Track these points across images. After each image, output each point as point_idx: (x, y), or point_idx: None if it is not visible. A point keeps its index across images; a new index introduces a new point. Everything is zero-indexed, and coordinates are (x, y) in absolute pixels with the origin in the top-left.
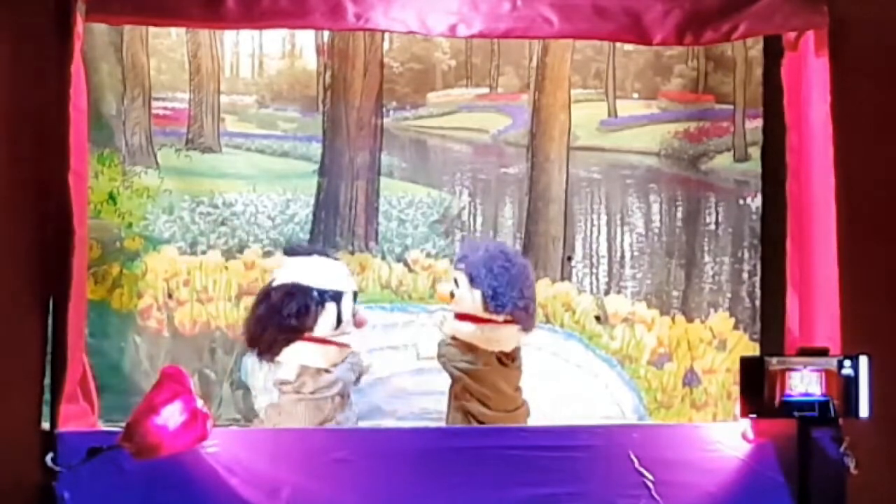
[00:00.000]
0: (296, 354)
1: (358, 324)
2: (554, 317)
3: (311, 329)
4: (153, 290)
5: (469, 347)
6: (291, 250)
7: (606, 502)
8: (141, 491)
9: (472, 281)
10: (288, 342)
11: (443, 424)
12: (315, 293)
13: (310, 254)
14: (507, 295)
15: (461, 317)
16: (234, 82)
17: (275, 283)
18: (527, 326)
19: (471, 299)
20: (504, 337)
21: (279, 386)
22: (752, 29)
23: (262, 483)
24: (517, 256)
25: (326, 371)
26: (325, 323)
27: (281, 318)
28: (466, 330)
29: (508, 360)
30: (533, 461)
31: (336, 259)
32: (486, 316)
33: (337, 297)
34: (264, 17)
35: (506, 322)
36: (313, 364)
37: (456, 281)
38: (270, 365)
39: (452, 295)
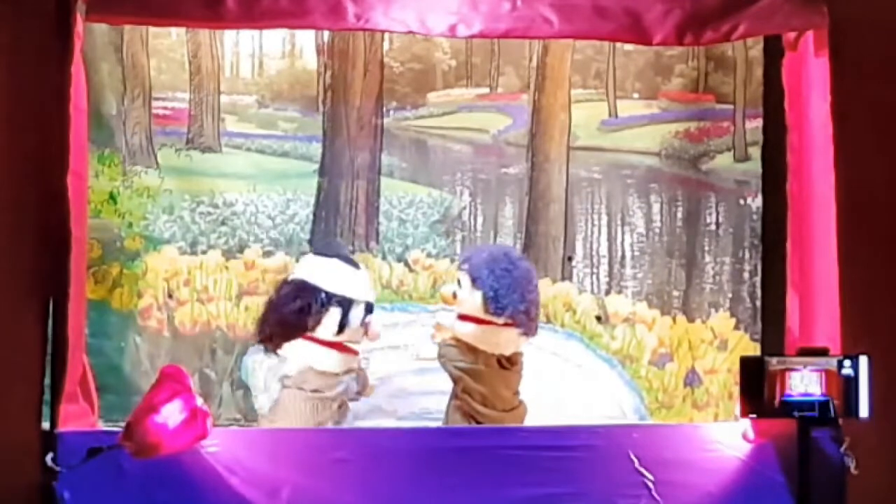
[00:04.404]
0: (298, 352)
1: (370, 336)
2: (555, 317)
3: (311, 329)
4: (153, 290)
5: (470, 348)
6: (318, 249)
7: (606, 502)
8: (141, 491)
9: (474, 282)
10: (286, 337)
11: (443, 424)
12: (322, 295)
13: (332, 256)
14: (508, 297)
15: (463, 317)
16: (234, 82)
17: (289, 278)
18: (528, 331)
19: (472, 300)
20: (504, 340)
21: (282, 379)
22: (751, 29)
23: (262, 483)
24: (521, 260)
25: (332, 375)
26: (327, 326)
27: (283, 312)
28: (467, 330)
29: (509, 363)
30: (533, 461)
31: (358, 267)
32: (487, 318)
33: (344, 302)
34: (264, 17)
35: (506, 325)
36: (315, 365)
37: (459, 281)
38: (275, 358)
39: (455, 295)
